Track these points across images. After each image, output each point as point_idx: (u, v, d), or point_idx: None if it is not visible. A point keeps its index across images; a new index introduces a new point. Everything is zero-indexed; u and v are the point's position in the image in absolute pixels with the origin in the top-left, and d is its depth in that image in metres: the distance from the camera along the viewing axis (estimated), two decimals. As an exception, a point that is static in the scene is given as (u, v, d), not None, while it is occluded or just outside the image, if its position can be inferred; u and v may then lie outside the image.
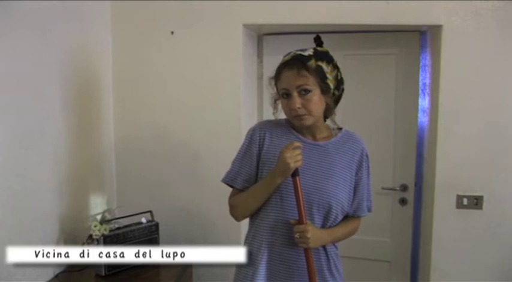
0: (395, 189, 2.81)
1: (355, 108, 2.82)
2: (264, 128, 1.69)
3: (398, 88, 2.76)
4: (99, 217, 2.17)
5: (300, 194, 1.53)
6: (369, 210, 1.75)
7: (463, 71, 2.41)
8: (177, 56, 2.60)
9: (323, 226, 1.61)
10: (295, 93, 1.54)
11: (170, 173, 2.66)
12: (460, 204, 2.47)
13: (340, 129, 1.72)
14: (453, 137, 2.45)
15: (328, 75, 1.58)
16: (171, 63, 2.61)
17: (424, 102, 2.74)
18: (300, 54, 1.57)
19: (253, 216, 1.69)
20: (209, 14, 2.54)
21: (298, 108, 1.53)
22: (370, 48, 2.76)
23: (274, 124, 1.71)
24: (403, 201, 2.82)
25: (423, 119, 2.76)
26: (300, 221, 1.55)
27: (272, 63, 2.76)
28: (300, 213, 1.54)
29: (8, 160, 1.79)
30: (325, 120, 1.70)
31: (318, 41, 1.68)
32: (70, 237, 2.20)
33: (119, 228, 2.19)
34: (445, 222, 2.49)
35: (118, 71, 2.65)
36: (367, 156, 1.69)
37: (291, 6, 2.45)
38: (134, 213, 2.29)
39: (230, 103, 2.57)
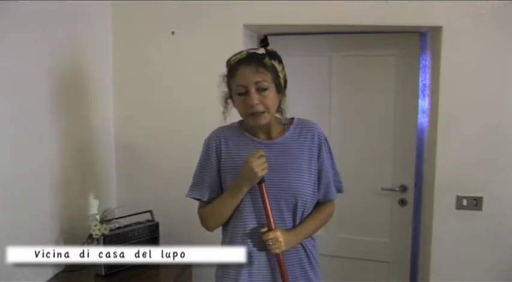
0: (394, 190, 2.81)
1: (355, 109, 2.83)
2: (218, 135, 1.71)
3: (398, 89, 2.76)
4: (99, 217, 2.17)
5: (267, 201, 1.56)
6: (339, 191, 1.75)
7: (462, 72, 2.41)
8: (177, 56, 2.60)
9: (293, 220, 1.62)
10: (253, 89, 1.52)
11: (170, 173, 2.65)
12: (459, 205, 2.47)
13: (292, 119, 1.71)
14: (453, 138, 2.45)
15: (280, 74, 1.60)
16: (172, 63, 2.61)
17: (423, 103, 2.74)
18: (255, 52, 1.57)
19: (226, 224, 1.70)
20: (209, 15, 2.54)
21: (257, 104, 1.53)
22: (370, 49, 2.77)
23: (227, 129, 1.72)
24: (402, 202, 2.82)
25: (423, 120, 2.76)
26: (268, 228, 1.56)
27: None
28: (268, 220, 1.57)
29: (8, 160, 1.79)
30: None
31: (265, 42, 1.70)
32: (70, 237, 2.21)
33: (119, 227, 2.19)
34: (445, 223, 2.49)
35: (118, 71, 2.66)
36: (325, 139, 1.68)
37: (291, 7, 2.45)
38: (134, 212, 2.29)
39: (230, 103, 2.57)
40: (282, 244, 1.54)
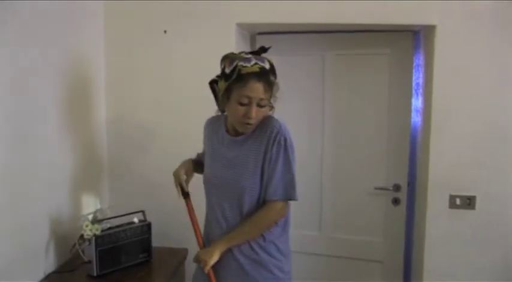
0: (388, 189, 2.81)
1: (348, 108, 2.83)
2: (208, 124, 1.95)
3: (391, 88, 2.75)
4: (90, 217, 2.16)
5: (193, 217, 1.88)
6: (289, 197, 1.70)
7: (455, 70, 2.41)
8: (169, 55, 2.59)
9: (240, 213, 1.73)
10: (254, 104, 1.62)
11: (163, 173, 2.62)
12: (452, 204, 2.47)
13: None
14: (446, 137, 2.45)
15: (274, 91, 1.70)
16: (164, 62, 2.59)
17: (417, 102, 2.75)
18: (265, 68, 1.63)
19: None
20: (202, 13, 2.53)
21: (254, 118, 1.63)
22: (363, 48, 2.76)
23: (216, 121, 1.92)
24: (396, 201, 2.82)
25: (416, 118, 2.76)
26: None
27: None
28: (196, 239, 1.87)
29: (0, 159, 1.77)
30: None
31: (264, 50, 1.71)
32: (61, 237, 2.19)
33: (110, 228, 2.17)
34: (438, 222, 2.50)
35: (111, 70, 2.64)
36: (284, 139, 1.66)
37: (284, 6, 2.44)
38: (126, 212, 2.28)
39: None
40: (207, 259, 1.73)
